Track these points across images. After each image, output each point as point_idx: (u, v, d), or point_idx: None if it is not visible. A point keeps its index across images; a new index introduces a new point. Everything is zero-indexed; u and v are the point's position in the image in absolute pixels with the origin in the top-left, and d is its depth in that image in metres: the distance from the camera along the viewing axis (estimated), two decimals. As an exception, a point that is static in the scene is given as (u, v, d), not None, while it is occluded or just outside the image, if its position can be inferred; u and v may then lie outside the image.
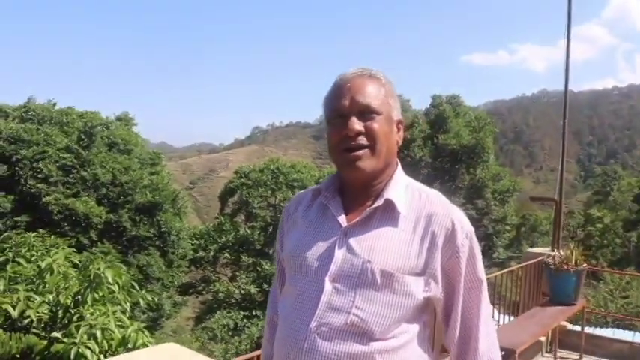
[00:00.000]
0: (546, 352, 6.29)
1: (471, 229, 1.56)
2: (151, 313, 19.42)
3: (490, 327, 1.62)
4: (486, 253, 32.38)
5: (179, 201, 22.99)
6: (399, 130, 1.59)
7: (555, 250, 6.83)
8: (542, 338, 6.12)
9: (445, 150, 32.25)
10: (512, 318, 6.07)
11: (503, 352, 4.87)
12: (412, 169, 28.68)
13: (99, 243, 18.15)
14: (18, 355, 5.00)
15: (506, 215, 34.17)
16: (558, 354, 6.05)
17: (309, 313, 1.48)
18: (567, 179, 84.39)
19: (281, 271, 1.74)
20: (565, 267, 5.91)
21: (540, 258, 6.43)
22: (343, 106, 1.52)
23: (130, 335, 5.41)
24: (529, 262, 6.39)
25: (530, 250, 7.80)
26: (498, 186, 33.87)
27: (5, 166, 18.56)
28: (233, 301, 24.25)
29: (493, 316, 6.52)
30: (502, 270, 6.52)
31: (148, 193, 20.49)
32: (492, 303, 7.05)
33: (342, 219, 1.54)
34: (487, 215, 33.39)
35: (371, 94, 1.52)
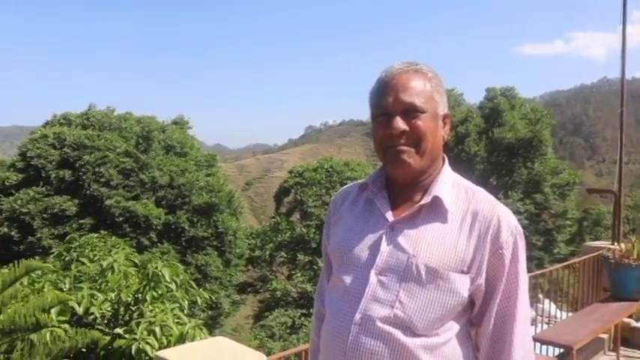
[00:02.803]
0: (609, 350, 6.05)
1: (517, 227, 1.54)
2: (210, 312, 19.79)
3: (527, 333, 1.58)
4: (547, 248, 31.51)
5: (235, 201, 23.32)
6: (445, 124, 1.58)
7: (615, 243, 6.60)
8: (604, 336, 5.90)
9: (501, 144, 31.53)
10: (570, 314, 5.90)
11: (561, 350, 4.78)
12: (467, 164, 28.17)
13: (159, 244, 18.63)
14: (84, 350, 5.23)
15: (567, 209, 33.12)
16: (622, 352, 5.81)
17: (354, 306, 1.50)
18: (633, 170, 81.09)
19: (328, 264, 1.77)
20: (626, 261, 5.70)
21: (599, 252, 6.22)
22: (387, 105, 1.52)
23: (187, 332, 5.56)
24: (587, 257, 6.19)
25: (589, 243, 7.55)
26: (557, 179, 32.87)
27: (70, 171, 19.26)
28: (290, 299, 24.43)
29: (550, 314, 6.38)
30: (559, 265, 6.35)
31: (204, 194, 20.87)
32: (550, 299, 6.89)
33: (389, 214, 1.55)
34: (546, 210, 32.47)
35: (416, 91, 1.51)
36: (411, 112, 1.51)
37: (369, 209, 1.62)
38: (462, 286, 1.48)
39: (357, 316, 1.48)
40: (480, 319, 1.56)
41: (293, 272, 26.75)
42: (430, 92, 1.54)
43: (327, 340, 1.58)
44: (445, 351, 1.49)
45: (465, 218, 1.52)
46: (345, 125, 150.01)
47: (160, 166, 20.21)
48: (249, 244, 25.70)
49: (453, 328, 1.51)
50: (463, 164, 26.92)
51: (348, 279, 1.56)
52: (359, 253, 1.55)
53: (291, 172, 31.76)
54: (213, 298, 18.91)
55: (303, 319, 22.35)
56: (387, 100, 1.52)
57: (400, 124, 1.50)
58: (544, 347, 4.80)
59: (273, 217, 31.35)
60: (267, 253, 27.72)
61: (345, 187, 1.82)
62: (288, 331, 21.93)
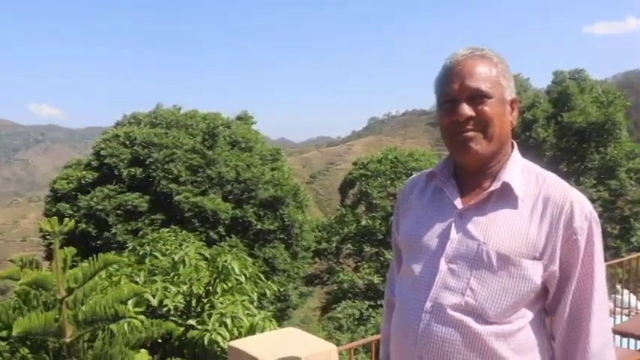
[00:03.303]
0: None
1: (591, 212, 1.50)
2: (278, 304, 20.08)
3: (605, 320, 1.53)
4: (623, 237, 30.21)
5: (300, 194, 23.52)
6: (512, 109, 1.56)
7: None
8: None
9: (571, 129, 30.44)
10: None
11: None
12: (536, 150, 27.34)
13: (227, 238, 19.03)
14: (159, 340, 5.43)
15: (645, 195, 31.67)
16: None
17: (424, 294, 1.50)
18: None
19: (397, 254, 1.77)
20: None
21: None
22: (453, 91, 1.51)
23: (257, 323, 5.66)
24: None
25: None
26: (634, 164, 31.43)
27: (140, 169, 19.92)
28: (357, 290, 24.48)
29: (629, 305, 6.12)
30: (637, 254, 6.08)
31: (270, 188, 21.15)
32: (629, 289, 6.60)
33: (458, 202, 1.55)
34: (622, 196, 31.14)
35: (481, 77, 1.50)
36: (477, 97, 1.49)
37: (437, 198, 1.62)
38: (535, 272, 1.46)
39: (428, 304, 1.48)
40: (554, 307, 1.52)
41: (359, 264, 26.78)
42: (496, 77, 1.52)
43: (398, 329, 1.58)
44: (518, 339, 1.47)
45: (537, 204, 1.49)
46: (408, 115, 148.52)
47: (226, 161, 20.62)
48: (315, 237, 25.88)
49: (526, 315, 1.49)
50: (531, 151, 26.15)
51: (417, 268, 1.56)
52: (428, 242, 1.55)
53: (355, 163, 31.77)
54: (281, 290, 19.19)
55: (370, 310, 22.36)
56: (453, 87, 1.51)
57: (466, 109, 1.48)
58: (624, 340, 4.62)
59: (338, 210, 31.47)
60: (334, 245, 27.84)
61: (412, 176, 1.81)
62: (355, 322, 21.98)
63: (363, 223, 27.37)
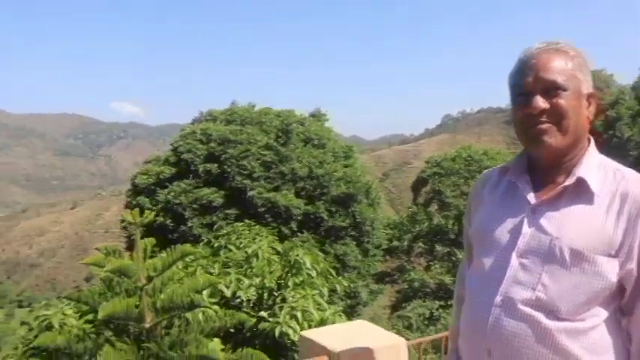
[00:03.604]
0: None
1: None
2: (349, 301, 20.14)
3: None
4: None
5: (372, 192, 23.47)
6: (589, 104, 1.54)
7: None
8: None
9: (659, 127, 28.90)
10: None
11: None
12: (619, 150, 26.12)
13: (299, 233, 19.24)
14: (232, 330, 5.59)
15: None
16: None
17: (495, 288, 1.50)
18: None
19: (469, 248, 1.78)
20: None
21: None
22: (527, 84, 1.51)
23: (327, 318, 5.73)
24: None
25: None
26: None
27: (216, 165, 20.44)
28: (428, 290, 24.22)
29: None
30: None
31: (342, 184, 21.22)
32: None
33: (531, 196, 1.54)
34: None
35: (556, 70, 1.49)
36: (551, 90, 1.48)
37: (510, 192, 1.62)
38: (610, 270, 1.43)
39: (498, 298, 1.48)
40: (631, 307, 1.49)
41: (431, 263, 26.48)
42: (572, 70, 1.50)
43: (468, 322, 1.59)
44: (592, 337, 1.44)
45: (614, 200, 1.47)
46: (483, 113, 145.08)
47: (299, 158, 20.85)
48: (386, 235, 25.78)
49: (600, 314, 1.47)
50: (615, 150, 25.01)
51: (488, 262, 1.56)
52: (500, 236, 1.55)
53: (428, 162, 31.44)
54: (352, 286, 19.22)
55: (441, 310, 22.07)
56: (527, 80, 1.51)
57: (540, 102, 1.48)
58: None
59: (410, 208, 31.23)
60: (405, 243, 27.65)
61: (486, 171, 1.82)
62: (425, 322, 21.75)
63: (435, 221, 27.04)
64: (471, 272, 1.69)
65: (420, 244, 27.59)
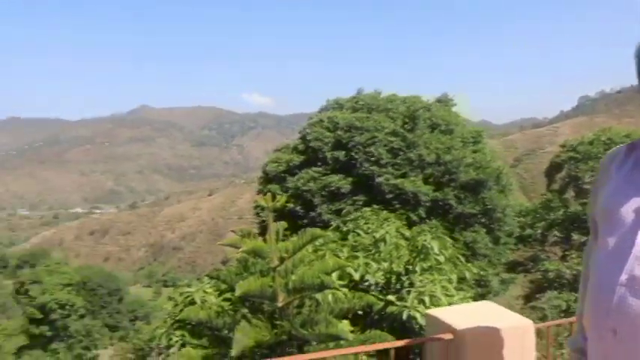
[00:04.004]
0: None
1: None
2: (479, 289, 19.69)
3: None
4: None
5: (503, 178, 22.69)
6: None
7: None
8: None
9: None
10: None
11: None
12: None
13: (427, 220, 19.05)
14: (360, 312, 5.73)
15: None
16: None
17: (620, 267, 1.46)
18: None
19: (594, 227, 1.73)
20: None
21: None
22: None
23: (455, 303, 5.69)
24: None
25: None
26: None
27: (343, 152, 20.71)
28: (564, 281, 23.08)
29: None
30: None
31: (471, 170, 20.71)
32: None
33: None
34: None
35: None
36: None
37: (637, 170, 1.55)
38: None
39: (623, 276, 1.43)
40: None
41: (567, 253, 25.21)
42: None
43: (592, 302, 1.56)
44: None
45: None
46: (625, 92, 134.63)
47: (426, 144, 20.58)
48: (518, 222, 24.88)
49: None
50: None
51: (613, 240, 1.52)
52: (625, 214, 1.50)
53: (563, 146, 29.96)
54: (482, 274, 18.75)
55: (579, 304, 20.98)
56: None
57: None
58: None
59: (544, 195, 29.93)
60: (539, 231, 26.55)
61: (613, 148, 1.75)
62: (562, 315, 20.76)
63: (572, 209, 25.68)
64: (596, 251, 1.65)
65: (556, 232, 26.37)
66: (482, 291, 20.61)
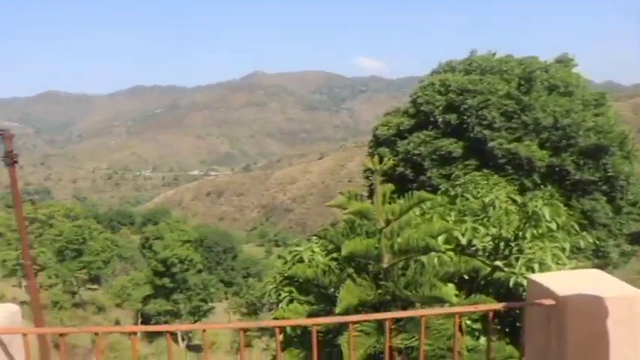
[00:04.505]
0: None
1: None
2: (595, 260, 18.79)
3: None
4: None
5: (628, 143, 21.22)
6: None
7: None
8: None
9: None
10: None
11: None
12: None
13: (541, 186, 18.30)
14: (466, 277, 5.69)
15: None
16: None
17: None
18: None
19: None
20: None
21: None
22: None
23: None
24: None
25: None
26: None
27: (454, 115, 20.23)
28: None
29: None
30: None
31: (592, 135, 19.57)
32: None
33: None
34: None
35: None
36: None
37: None
38: None
39: None
40: None
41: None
42: None
43: None
44: None
45: None
46: None
47: (543, 107, 19.61)
48: (645, 191, 23.26)
49: None
50: None
51: None
52: None
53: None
54: (600, 244, 17.84)
55: None
56: None
57: None
58: None
59: (675, 162, 27.74)
60: (667, 201, 24.71)
61: None
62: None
63: None
64: None
65: (687, 202, 24.40)
66: (599, 262, 19.63)
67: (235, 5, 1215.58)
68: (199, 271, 52.91)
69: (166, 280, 49.23)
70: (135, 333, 2.59)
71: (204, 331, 2.25)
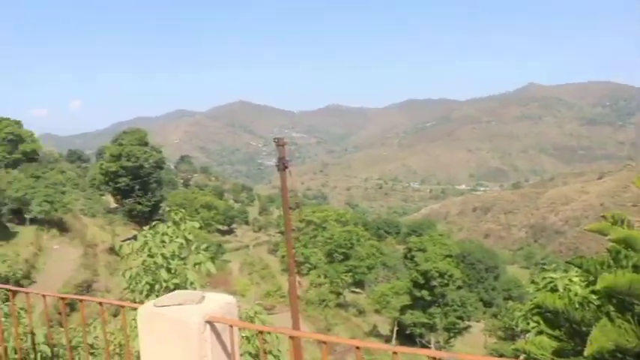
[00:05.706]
0: None
1: None
2: None
3: None
4: None
5: None
6: None
7: None
8: None
9: None
10: None
11: None
12: None
13: None
14: None
15: None
16: None
17: None
18: None
19: None
20: None
21: None
22: None
23: None
24: None
25: None
26: None
27: None
28: None
29: None
30: None
31: None
32: None
33: None
34: None
35: None
36: None
37: None
38: None
39: None
40: None
41: None
42: None
43: None
44: None
45: None
46: None
47: None
48: None
49: None
50: None
51: None
52: None
53: None
54: None
55: None
56: None
57: None
58: None
59: None
60: None
61: None
62: None
63: None
64: None
65: None
66: None
67: (507, 15, 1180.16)
68: (459, 287, 52.18)
69: (425, 293, 49.52)
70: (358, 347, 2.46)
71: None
